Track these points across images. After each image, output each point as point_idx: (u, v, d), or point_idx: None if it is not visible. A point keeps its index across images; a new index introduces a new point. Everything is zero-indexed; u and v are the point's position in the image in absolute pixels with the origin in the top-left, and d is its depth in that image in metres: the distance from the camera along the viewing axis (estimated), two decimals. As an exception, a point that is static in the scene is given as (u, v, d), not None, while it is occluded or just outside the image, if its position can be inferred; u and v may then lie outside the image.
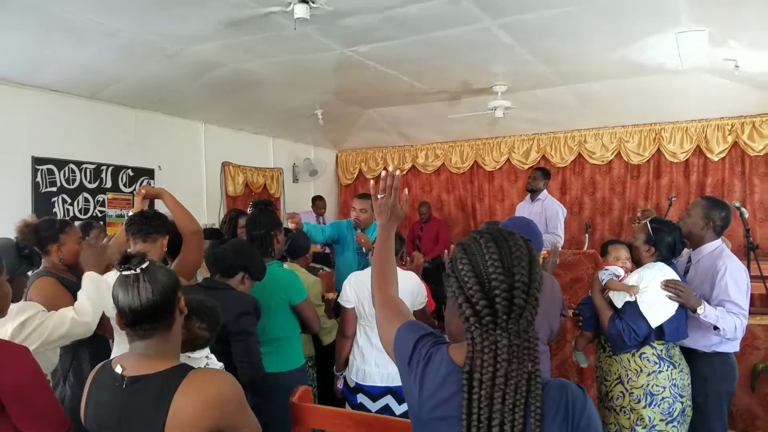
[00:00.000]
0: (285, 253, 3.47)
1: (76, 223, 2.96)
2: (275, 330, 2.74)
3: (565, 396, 1.13)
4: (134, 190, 5.42)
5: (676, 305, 2.41)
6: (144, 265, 1.47)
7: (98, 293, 2.23)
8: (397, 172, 1.54)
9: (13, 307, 1.96)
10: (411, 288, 2.82)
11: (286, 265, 3.27)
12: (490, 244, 1.16)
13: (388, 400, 2.82)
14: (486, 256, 1.15)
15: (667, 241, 2.58)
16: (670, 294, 2.41)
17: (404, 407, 2.81)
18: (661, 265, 2.52)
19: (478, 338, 1.13)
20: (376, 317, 1.48)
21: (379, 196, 1.53)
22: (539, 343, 1.18)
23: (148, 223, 2.52)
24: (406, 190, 1.56)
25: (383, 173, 1.53)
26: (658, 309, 2.40)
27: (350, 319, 2.92)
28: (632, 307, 2.45)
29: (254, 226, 2.89)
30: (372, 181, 1.58)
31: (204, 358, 1.91)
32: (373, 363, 2.83)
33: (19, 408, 1.50)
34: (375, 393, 2.83)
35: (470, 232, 1.24)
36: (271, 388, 2.48)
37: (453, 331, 1.29)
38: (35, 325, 2.00)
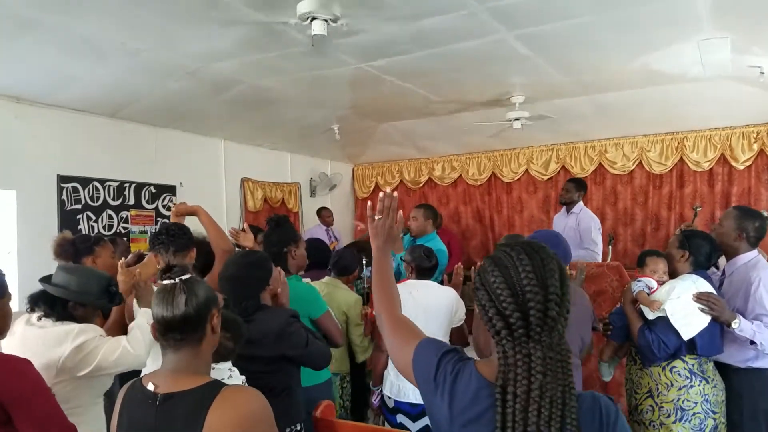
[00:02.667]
0: (332, 270, 3.51)
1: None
2: None
3: (599, 408, 1.13)
4: (156, 206, 5.49)
5: (708, 318, 2.33)
6: (184, 277, 1.50)
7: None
8: (395, 194, 1.53)
9: (75, 328, 2.02)
10: (449, 304, 2.78)
11: (325, 280, 3.34)
12: (522, 256, 1.16)
13: (428, 421, 2.77)
14: (519, 269, 1.15)
15: (702, 246, 2.51)
16: (702, 306, 2.33)
17: None
18: (695, 277, 2.45)
19: (510, 351, 1.12)
20: (385, 339, 1.46)
21: (376, 218, 1.51)
22: (571, 355, 1.17)
23: (175, 241, 2.54)
24: (400, 212, 1.54)
25: (381, 194, 1.52)
26: (689, 321, 2.32)
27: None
28: (663, 318, 2.39)
29: (269, 243, 2.88)
30: (369, 203, 1.56)
31: (227, 370, 1.91)
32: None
33: (23, 417, 1.59)
34: (414, 413, 2.76)
35: (498, 245, 1.25)
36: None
37: (481, 344, 1.28)
38: (90, 348, 2.02)
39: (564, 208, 5.26)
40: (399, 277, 3.44)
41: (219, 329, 1.55)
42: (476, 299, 1.21)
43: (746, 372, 2.50)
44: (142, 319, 2.24)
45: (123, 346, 2.09)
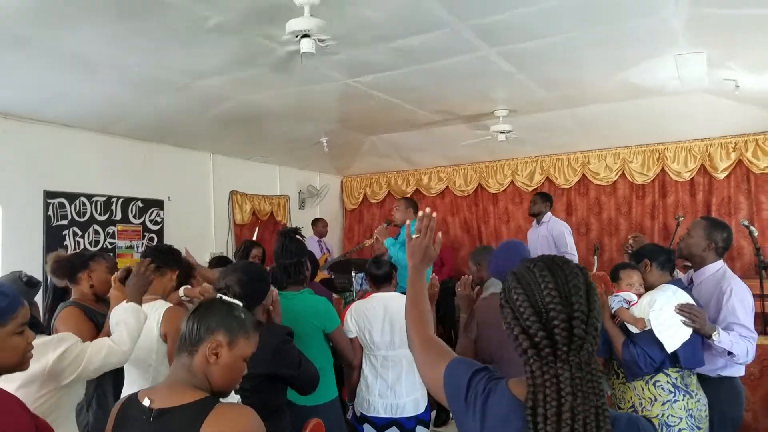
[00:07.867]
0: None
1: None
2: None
3: (636, 431, 1.11)
4: (144, 221, 5.49)
5: (690, 330, 2.33)
6: (220, 298, 1.69)
7: (138, 324, 2.23)
8: (434, 214, 1.52)
9: (54, 338, 2.04)
10: None
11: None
12: (545, 272, 1.13)
13: (393, 431, 2.83)
14: (541, 286, 1.12)
15: (653, 249, 2.60)
16: (684, 319, 2.33)
17: None
18: (674, 288, 2.46)
19: (538, 371, 1.10)
20: (415, 360, 1.45)
21: (413, 236, 1.52)
22: (602, 375, 1.16)
23: (159, 257, 2.57)
24: (439, 234, 1.55)
25: (420, 214, 1.52)
26: (673, 333, 2.32)
27: (355, 349, 2.95)
28: (645, 331, 2.39)
29: (285, 254, 2.77)
30: (407, 221, 1.60)
31: None
32: (377, 394, 2.85)
33: None
34: (380, 424, 2.84)
35: (522, 260, 1.22)
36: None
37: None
38: (74, 354, 2.03)
39: (534, 220, 5.68)
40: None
41: (224, 363, 1.52)
42: (502, 317, 1.19)
43: (716, 381, 2.53)
44: (128, 313, 2.23)
45: (109, 346, 2.12)
